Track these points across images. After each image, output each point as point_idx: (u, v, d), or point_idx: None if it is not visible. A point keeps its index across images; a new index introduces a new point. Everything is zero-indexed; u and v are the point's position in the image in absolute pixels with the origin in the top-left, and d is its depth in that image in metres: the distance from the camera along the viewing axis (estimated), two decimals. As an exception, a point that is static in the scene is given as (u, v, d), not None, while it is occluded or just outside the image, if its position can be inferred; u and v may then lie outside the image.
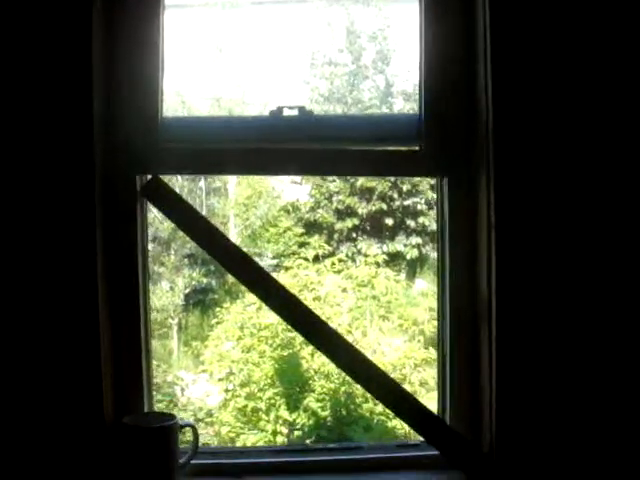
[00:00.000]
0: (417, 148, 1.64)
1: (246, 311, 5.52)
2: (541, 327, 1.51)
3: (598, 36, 1.52)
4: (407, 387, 4.38)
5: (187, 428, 1.60)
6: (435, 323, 5.59)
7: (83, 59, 1.47)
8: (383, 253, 6.78)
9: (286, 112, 1.65)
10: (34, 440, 1.46)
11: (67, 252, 1.47)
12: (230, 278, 7.09)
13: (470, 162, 1.61)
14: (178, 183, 7.08)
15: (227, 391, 5.32)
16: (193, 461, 1.58)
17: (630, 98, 1.53)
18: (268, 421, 5.01)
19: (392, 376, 1.66)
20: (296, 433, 5.06)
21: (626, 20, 1.52)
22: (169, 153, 1.61)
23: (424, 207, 7.44)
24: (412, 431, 1.70)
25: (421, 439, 1.65)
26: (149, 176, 1.61)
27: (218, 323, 5.83)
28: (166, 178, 1.62)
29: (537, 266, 1.51)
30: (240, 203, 7.71)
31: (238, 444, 4.95)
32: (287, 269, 5.91)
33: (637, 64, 1.52)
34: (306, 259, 5.87)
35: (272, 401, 5.04)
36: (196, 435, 1.57)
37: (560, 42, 1.52)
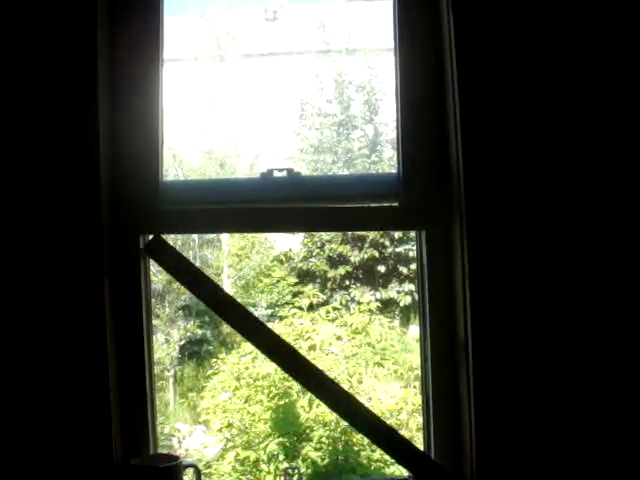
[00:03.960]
0: (397, 204, 1.76)
1: (242, 361, 5.48)
2: (515, 366, 1.61)
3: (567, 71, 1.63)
4: (405, 432, 4.36)
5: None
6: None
7: (90, 122, 1.59)
8: (376, 300, 6.75)
9: (276, 174, 1.76)
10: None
11: (77, 307, 1.57)
12: (225, 329, 7.02)
13: (445, 216, 1.72)
14: (172, 237, 7.04)
15: (227, 441, 5.27)
16: (196, 500, 1.65)
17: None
18: (268, 472, 4.98)
19: (389, 422, 1.75)
20: (296, 481, 5.02)
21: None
22: (169, 214, 1.73)
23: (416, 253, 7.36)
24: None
25: (408, 474, 1.73)
26: (151, 235, 1.72)
27: (214, 374, 5.77)
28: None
29: (510, 311, 1.61)
30: (233, 254, 7.63)
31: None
32: (282, 318, 5.81)
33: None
34: (300, 308, 5.84)
35: (271, 451, 4.99)
36: (199, 475, 1.67)
37: (527, 86, 1.62)
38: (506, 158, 1.63)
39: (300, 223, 1.81)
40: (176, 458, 1.63)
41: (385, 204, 1.80)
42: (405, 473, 1.77)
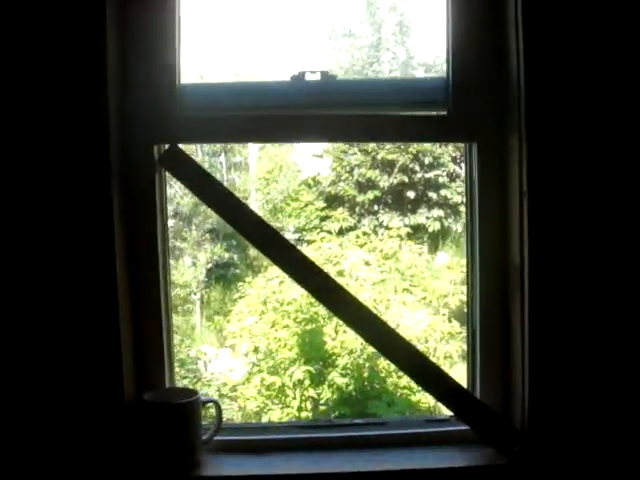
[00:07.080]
0: (445, 113, 1.59)
1: (269, 285, 5.54)
2: (576, 299, 1.47)
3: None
4: (432, 360, 4.33)
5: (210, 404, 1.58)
6: (459, 296, 5.51)
7: (97, 25, 1.42)
8: (405, 226, 6.76)
9: (308, 77, 1.59)
10: (51, 420, 1.44)
11: (84, 226, 1.43)
12: (252, 252, 7.13)
13: (500, 126, 1.56)
14: (198, 159, 7.10)
15: (253, 365, 5.32)
16: (216, 438, 1.55)
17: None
18: (294, 397, 5.02)
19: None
20: (321, 408, 5.05)
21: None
22: (187, 121, 1.57)
23: (446, 179, 7.42)
24: (439, 405, 1.66)
25: (450, 414, 1.61)
26: (167, 145, 1.56)
27: (241, 297, 5.85)
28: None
29: (571, 235, 1.47)
30: (261, 178, 7.73)
31: (263, 420, 4.95)
32: (310, 242, 5.93)
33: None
34: (329, 232, 5.86)
35: (297, 377, 5.02)
36: (219, 411, 1.54)
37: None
38: (573, 71, 1.46)
39: (334, 132, 1.62)
40: (194, 393, 1.49)
41: (432, 113, 1.63)
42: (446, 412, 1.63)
